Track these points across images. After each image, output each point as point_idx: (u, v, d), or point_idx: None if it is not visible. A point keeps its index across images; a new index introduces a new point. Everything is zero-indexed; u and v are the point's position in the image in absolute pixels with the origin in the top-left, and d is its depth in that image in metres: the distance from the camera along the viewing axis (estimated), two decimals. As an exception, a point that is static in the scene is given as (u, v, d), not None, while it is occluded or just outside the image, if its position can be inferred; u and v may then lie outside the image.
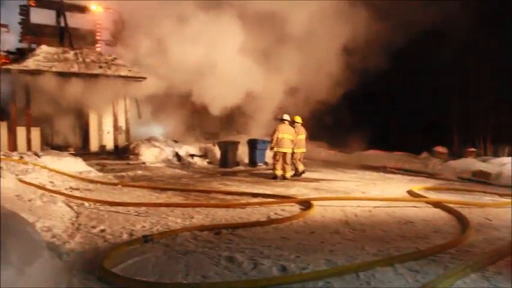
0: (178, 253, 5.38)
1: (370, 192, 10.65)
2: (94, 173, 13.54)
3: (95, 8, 21.11)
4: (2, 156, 13.90)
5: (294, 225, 6.95)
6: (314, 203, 8.41)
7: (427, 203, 8.95)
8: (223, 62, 19.14)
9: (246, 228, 6.65)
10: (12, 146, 17.95)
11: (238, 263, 4.98)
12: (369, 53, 18.79)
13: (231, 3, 19.09)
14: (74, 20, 20.74)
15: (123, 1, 19.55)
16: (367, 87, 20.04)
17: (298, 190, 10.84)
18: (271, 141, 13.41)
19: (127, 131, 20.15)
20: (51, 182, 11.00)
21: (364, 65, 19.00)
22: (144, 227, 6.76)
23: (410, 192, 10.42)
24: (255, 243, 5.83)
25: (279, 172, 13.25)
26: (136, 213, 7.72)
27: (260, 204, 8.64)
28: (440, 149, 17.56)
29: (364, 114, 20.67)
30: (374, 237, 6.29)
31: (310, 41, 19.95)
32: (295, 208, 8.37)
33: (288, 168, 13.26)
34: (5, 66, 17.88)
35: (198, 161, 16.92)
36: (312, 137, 20.16)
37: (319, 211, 8.02)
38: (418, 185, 11.68)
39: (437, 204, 8.66)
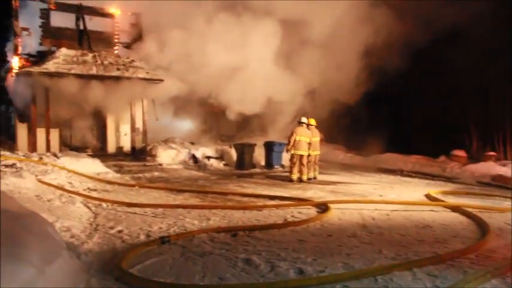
0: (195, 255, 5.39)
1: (387, 195, 10.56)
2: (111, 174, 13.66)
3: (113, 11, 21.32)
4: (22, 157, 14.12)
5: (311, 228, 6.93)
6: (331, 205, 8.37)
7: (446, 207, 8.83)
8: (246, 66, 19.27)
9: (262, 230, 6.65)
10: (32, 147, 18.20)
11: (255, 265, 4.97)
12: (387, 54, 18.62)
13: (252, 7, 19.20)
14: (92, 23, 21.00)
15: (146, 2, 19.75)
16: (385, 89, 19.87)
17: (315, 193, 10.80)
18: (288, 144, 13.41)
19: (144, 133, 20.29)
20: (70, 183, 11.12)
21: (382, 66, 18.84)
22: (161, 228, 6.79)
23: (428, 196, 10.29)
24: (272, 246, 5.82)
25: (295, 175, 13.23)
26: (153, 215, 7.76)
27: (277, 206, 8.63)
28: (459, 152, 17.29)
29: (381, 117, 20.49)
30: (392, 241, 6.23)
31: (328, 43, 19.92)
32: (312, 211, 8.35)
33: (305, 170, 13.24)
34: (25, 69, 18.16)
35: (214, 162, 16.95)
36: (328, 139, 20.19)
37: (337, 214, 7.98)
38: (435, 189, 11.54)
39: (456, 209, 8.54)
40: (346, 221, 7.53)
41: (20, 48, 19.33)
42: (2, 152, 15.51)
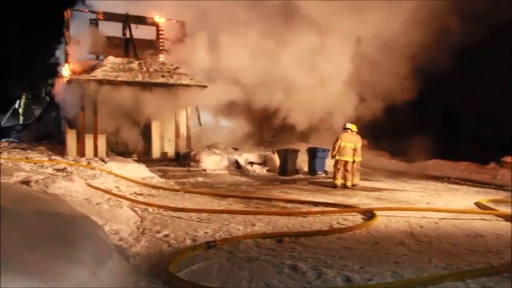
0: (241, 260, 5.40)
1: (435, 203, 10.27)
2: (156, 179, 13.90)
3: (159, 19, 21.76)
4: (71, 162, 14.58)
5: (357, 235, 6.83)
6: (377, 213, 8.22)
7: (498, 216, 8.52)
8: (299, 76, 19.51)
9: (308, 237, 6.60)
10: (81, 152, 18.75)
11: (302, 272, 4.93)
12: (434, 55, 18.18)
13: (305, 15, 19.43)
14: (138, 31, 21.49)
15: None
16: (432, 92, 19.39)
17: (360, 200, 10.64)
18: (332, 149, 13.36)
19: (188, 138, 20.56)
20: (117, 187, 11.40)
21: (428, 68, 18.41)
22: (206, 233, 6.84)
23: (478, 205, 9.95)
24: (318, 253, 5.77)
25: (339, 181, 13.13)
26: (198, 219, 7.84)
27: (322, 213, 8.55)
28: (510, 159, 16.66)
29: (427, 122, 19.98)
30: (441, 250, 6.05)
31: (373, 47, 19.77)
32: (358, 218, 8.22)
33: (349, 176, 13.11)
34: (75, 77, 18.76)
35: (257, 168, 16.97)
36: (372, 145, 19.87)
37: (383, 221, 7.83)
38: (485, 196, 11.15)
39: (509, 218, 8.21)
40: (393, 229, 7.37)
41: (69, 57, 20.00)
42: (53, 157, 16.11)
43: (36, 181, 9.15)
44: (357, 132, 13.87)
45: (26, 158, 15.07)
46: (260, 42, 19.45)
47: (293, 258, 5.48)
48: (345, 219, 8.02)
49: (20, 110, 36.90)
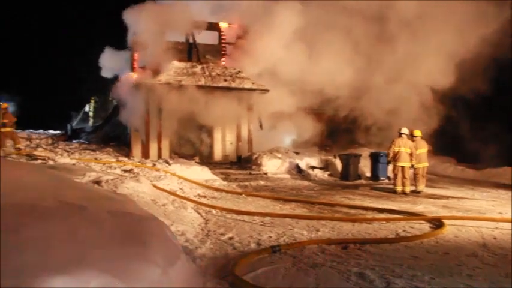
0: (306, 265, 5.36)
1: (509, 213, 9.74)
2: (219, 182, 14.09)
3: (221, 24, 22.14)
4: (137, 163, 15.07)
5: (425, 244, 6.59)
6: (445, 221, 7.90)
7: None
8: (367, 81, 19.36)
9: (374, 244, 6.44)
10: (145, 154, 19.38)
11: (369, 280, 4.82)
12: (506, 55, 17.33)
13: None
14: (201, 36, 21.93)
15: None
16: (503, 95, 18.46)
17: (426, 207, 10.28)
18: (388, 155, 13.32)
19: (249, 142, 20.76)
20: (181, 189, 11.64)
21: (500, 69, 17.57)
22: (270, 237, 6.84)
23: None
24: (385, 261, 5.62)
25: (399, 187, 12.91)
26: (262, 223, 7.86)
27: (387, 220, 8.34)
28: None
29: (498, 126, 19.01)
30: (519, 264, 5.72)
31: (443, 47, 19.15)
32: (425, 226, 7.94)
33: (407, 182, 12.88)
34: (140, 81, 19.41)
35: (318, 173, 16.85)
36: (437, 151, 19.17)
37: (452, 231, 7.51)
38: None
39: None
40: (463, 239, 7.06)
41: (135, 62, 20.73)
42: (120, 158, 16.74)
43: (106, 181, 9.51)
44: (422, 137, 13.53)
45: (95, 158, 15.76)
46: (343, 51, 19.37)
47: (359, 265, 5.37)
48: (412, 227, 7.76)
49: (90, 113, 38.69)
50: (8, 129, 17.22)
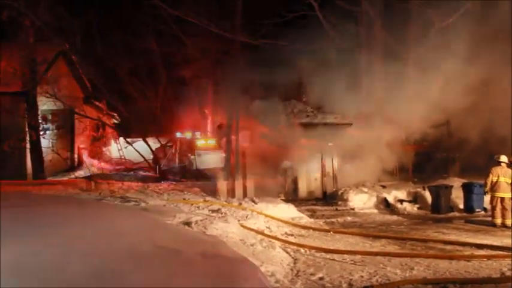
0: (403, 308, 5.11)
1: None
2: (305, 219, 13.93)
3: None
4: (224, 203, 15.34)
5: (534, 284, 6.06)
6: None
7: None
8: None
9: (476, 284, 6.02)
10: (231, 193, 19.69)
11: (473, 324, 4.49)
12: None
13: None
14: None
15: None
16: None
17: (532, 242, 9.48)
18: (485, 185, 12.56)
19: (334, 177, 20.49)
20: (268, 227, 11.64)
21: None
22: (362, 276, 6.64)
23: None
24: (490, 303, 5.22)
25: (498, 220, 12.12)
26: (352, 262, 7.65)
27: (489, 257, 7.77)
28: None
29: None
30: None
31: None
32: (534, 264, 7.31)
33: (508, 214, 12.03)
34: (222, 121, 20.04)
35: (407, 206, 16.19)
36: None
37: None
38: None
39: None
40: None
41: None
42: (207, 198, 17.13)
43: (196, 222, 9.74)
44: None
45: (184, 199, 16.24)
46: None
47: (461, 308, 5.04)
48: (518, 265, 7.18)
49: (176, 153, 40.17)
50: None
